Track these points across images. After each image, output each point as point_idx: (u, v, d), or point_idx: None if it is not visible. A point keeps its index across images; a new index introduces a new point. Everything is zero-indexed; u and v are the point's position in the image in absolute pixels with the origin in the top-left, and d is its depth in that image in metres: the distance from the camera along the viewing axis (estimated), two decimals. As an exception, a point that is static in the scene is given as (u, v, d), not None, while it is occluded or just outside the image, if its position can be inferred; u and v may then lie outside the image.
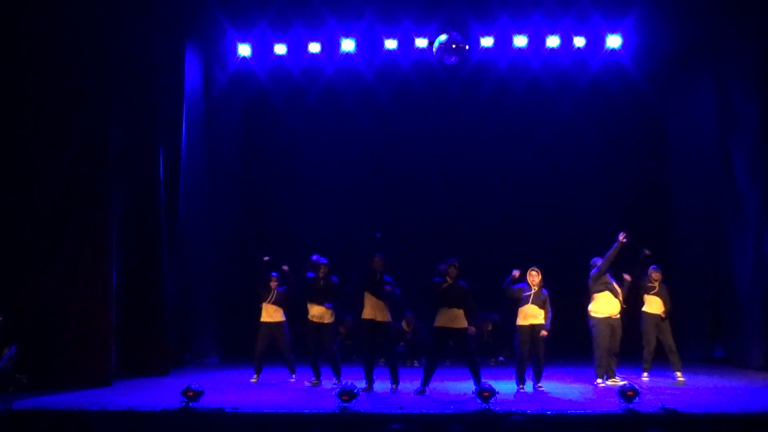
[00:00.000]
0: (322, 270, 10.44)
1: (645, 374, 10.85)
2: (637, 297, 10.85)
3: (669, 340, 10.61)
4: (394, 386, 9.86)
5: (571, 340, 12.30)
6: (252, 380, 10.86)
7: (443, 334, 9.66)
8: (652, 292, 10.73)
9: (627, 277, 10.54)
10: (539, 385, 9.89)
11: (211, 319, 13.68)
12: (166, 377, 11.28)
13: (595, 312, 10.37)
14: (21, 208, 10.58)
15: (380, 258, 9.97)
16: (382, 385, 9.92)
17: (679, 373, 10.53)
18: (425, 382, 9.63)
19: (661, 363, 10.95)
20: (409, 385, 10.14)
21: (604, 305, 10.30)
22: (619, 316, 10.35)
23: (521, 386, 9.84)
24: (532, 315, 9.86)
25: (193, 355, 13.38)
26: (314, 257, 10.48)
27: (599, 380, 10.25)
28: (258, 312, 11.05)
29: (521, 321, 9.92)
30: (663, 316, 10.65)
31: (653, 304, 10.71)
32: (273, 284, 10.97)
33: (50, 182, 10.66)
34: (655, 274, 10.75)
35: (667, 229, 14.34)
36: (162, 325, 11.65)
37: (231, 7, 12.58)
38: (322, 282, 10.43)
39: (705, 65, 13.21)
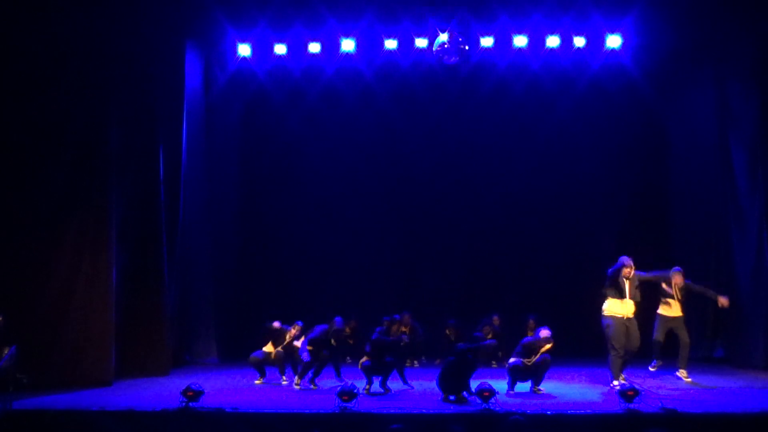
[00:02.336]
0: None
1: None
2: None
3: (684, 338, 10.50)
4: (384, 387, 9.87)
5: (571, 340, 12.28)
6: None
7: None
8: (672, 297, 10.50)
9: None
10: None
11: (212, 319, 13.66)
12: (166, 377, 11.27)
13: (609, 312, 9.99)
14: (21, 208, 10.58)
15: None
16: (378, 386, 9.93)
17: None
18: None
19: (663, 363, 10.96)
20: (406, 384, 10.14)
21: (619, 305, 9.98)
22: (632, 316, 9.98)
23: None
24: None
25: (193, 356, 13.37)
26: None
27: (616, 382, 9.74)
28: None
29: None
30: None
31: (670, 308, 10.54)
32: (291, 332, 10.73)
33: (50, 182, 10.66)
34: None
35: (668, 228, 14.32)
36: (162, 325, 11.63)
37: (231, 7, 12.58)
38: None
39: (705, 65, 13.20)
